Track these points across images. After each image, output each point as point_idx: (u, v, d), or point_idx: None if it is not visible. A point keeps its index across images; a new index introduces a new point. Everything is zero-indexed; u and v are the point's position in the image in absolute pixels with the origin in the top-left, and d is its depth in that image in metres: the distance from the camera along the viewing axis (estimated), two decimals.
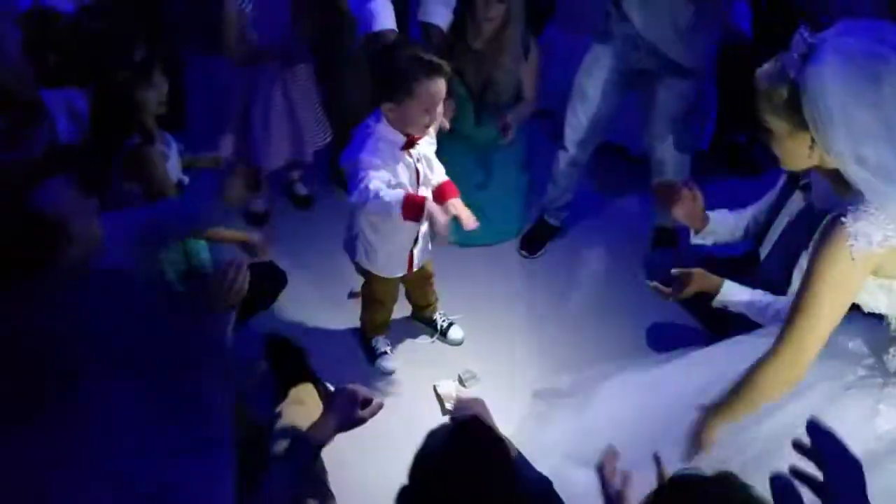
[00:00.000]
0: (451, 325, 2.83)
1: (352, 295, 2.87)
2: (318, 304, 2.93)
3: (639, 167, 3.38)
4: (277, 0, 2.83)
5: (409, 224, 2.15)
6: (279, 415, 2.03)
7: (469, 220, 2.17)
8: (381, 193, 2.05)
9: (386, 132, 2.14)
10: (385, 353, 2.72)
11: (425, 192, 2.27)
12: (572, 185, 3.23)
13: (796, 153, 1.44)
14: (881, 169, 1.31)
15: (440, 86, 2.07)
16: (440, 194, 2.29)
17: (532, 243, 3.31)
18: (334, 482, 1.88)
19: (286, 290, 2.70)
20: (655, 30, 2.70)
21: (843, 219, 1.36)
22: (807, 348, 1.44)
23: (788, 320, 1.46)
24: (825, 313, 1.41)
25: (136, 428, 1.08)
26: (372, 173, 2.09)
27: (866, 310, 1.56)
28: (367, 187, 2.06)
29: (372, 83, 2.20)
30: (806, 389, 1.62)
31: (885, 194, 1.33)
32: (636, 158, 3.59)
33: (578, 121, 3.03)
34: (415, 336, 2.85)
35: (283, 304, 2.80)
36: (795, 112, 1.36)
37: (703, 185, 2.21)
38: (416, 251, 2.42)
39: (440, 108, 2.12)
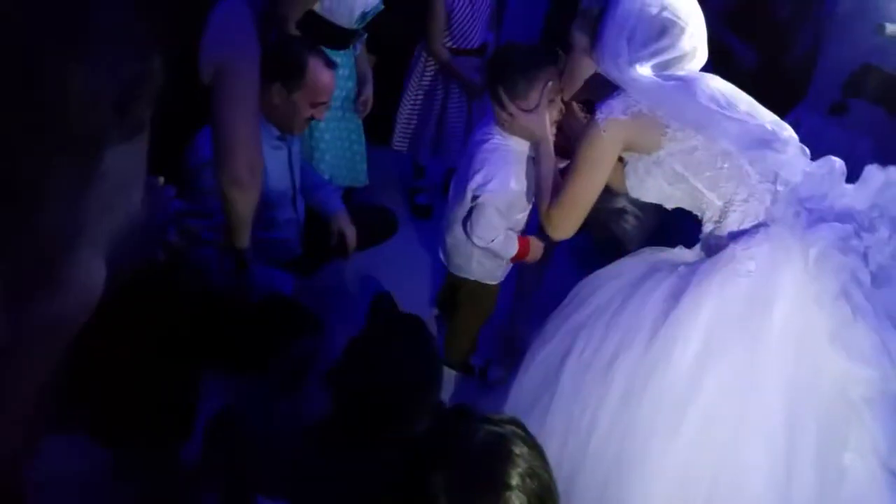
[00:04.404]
0: (489, 362, 2.69)
1: None
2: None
3: None
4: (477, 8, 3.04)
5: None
6: None
7: None
8: (500, 249, 2.17)
9: (516, 145, 2.07)
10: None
11: None
12: None
13: (580, 69, 1.78)
14: (626, 73, 1.60)
15: None
16: None
17: None
18: None
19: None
20: None
21: (596, 110, 1.64)
22: (570, 215, 1.72)
23: (560, 190, 1.73)
24: (586, 184, 1.67)
25: None
26: (502, 219, 2.10)
27: (668, 205, 1.70)
28: (494, 241, 2.13)
29: (490, 84, 2.07)
30: None
31: (634, 87, 1.60)
32: None
33: None
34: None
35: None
36: (595, 29, 1.66)
37: None
38: None
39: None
